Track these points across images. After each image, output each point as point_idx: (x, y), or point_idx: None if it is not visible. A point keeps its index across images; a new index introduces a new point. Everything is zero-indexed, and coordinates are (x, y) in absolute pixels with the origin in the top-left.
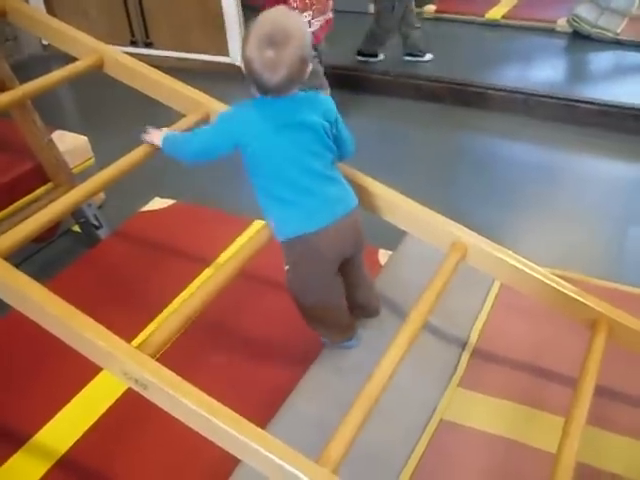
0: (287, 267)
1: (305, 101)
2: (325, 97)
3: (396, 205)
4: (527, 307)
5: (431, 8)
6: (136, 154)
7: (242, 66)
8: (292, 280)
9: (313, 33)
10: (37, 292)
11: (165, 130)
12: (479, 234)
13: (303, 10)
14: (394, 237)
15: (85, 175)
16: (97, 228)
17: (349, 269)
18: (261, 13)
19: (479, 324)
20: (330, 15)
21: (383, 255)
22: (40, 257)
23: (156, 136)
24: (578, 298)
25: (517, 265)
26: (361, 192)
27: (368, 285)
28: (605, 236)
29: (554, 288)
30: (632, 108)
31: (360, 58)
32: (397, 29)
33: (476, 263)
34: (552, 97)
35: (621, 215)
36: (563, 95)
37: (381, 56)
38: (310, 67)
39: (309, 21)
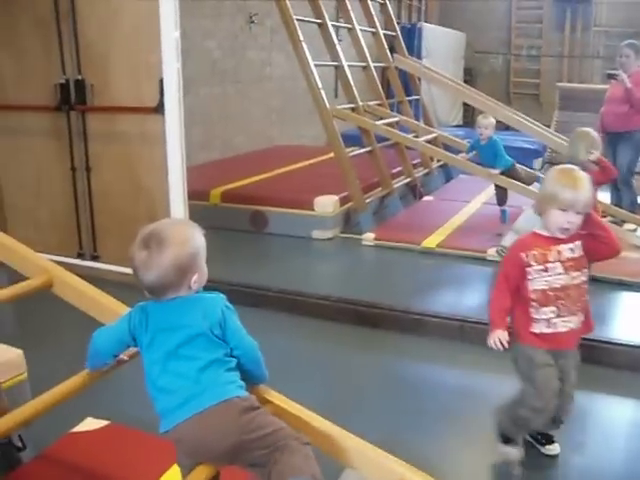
0: None
1: (187, 304)
2: (211, 298)
3: (337, 441)
4: None
5: (370, 236)
6: (74, 381)
7: None
8: None
9: (554, 335)
10: None
11: None
12: (418, 465)
13: (544, 305)
14: (335, 468)
15: (15, 390)
16: (20, 450)
17: None
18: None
19: None
20: (581, 317)
21: None
22: None
23: None
24: None
25: None
26: (300, 425)
27: None
28: (544, 464)
29: None
30: None
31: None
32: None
33: None
34: (486, 324)
35: (558, 443)
36: None
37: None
38: (196, 276)
39: (548, 319)
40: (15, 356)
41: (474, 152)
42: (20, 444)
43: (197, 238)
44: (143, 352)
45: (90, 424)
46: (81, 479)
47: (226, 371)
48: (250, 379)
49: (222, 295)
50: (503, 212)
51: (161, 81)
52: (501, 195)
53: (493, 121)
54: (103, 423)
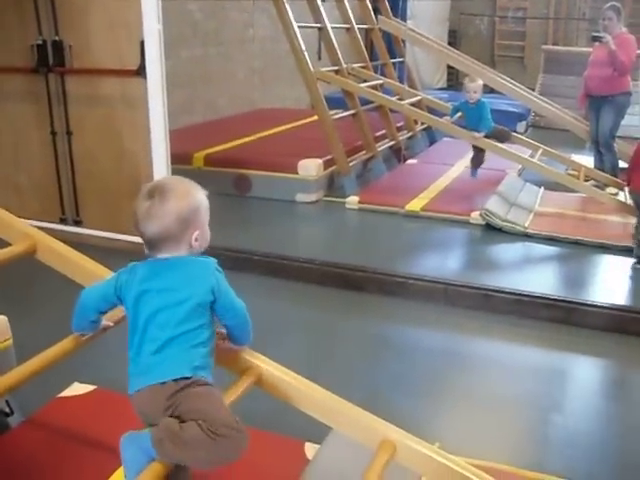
0: None
1: (176, 266)
2: (202, 262)
3: (322, 402)
4: None
5: (354, 199)
6: (61, 346)
7: None
8: None
9: None
10: None
11: None
12: (402, 426)
13: None
14: (321, 430)
15: (0, 357)
16: (7, 415)
17: None
18: None
19: None
20: None
21: (310, 448)
22: None
23: None
24: None
25: (447, 463)
26: (286, 388)
27: None
28: (525, 424)
29: None
30: (544, 297)
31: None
32: None
33: (405, 461)
34: (470, 287)
35: (539, 403)
36: (480, 285)
37: None
38: (197, 233)
39: None
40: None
41: (459, 114)
42: (8, 409)
43: (199, 195)
44: (127, 312)
45: (77, 389)
46: (69, 443)
47: (191, 347)
48: (235, 340)
49: (213, 259)
50: (474, 171)
51: (142, 43)
52: (478, 159)
53: (481, 83)
54: (90, 388)
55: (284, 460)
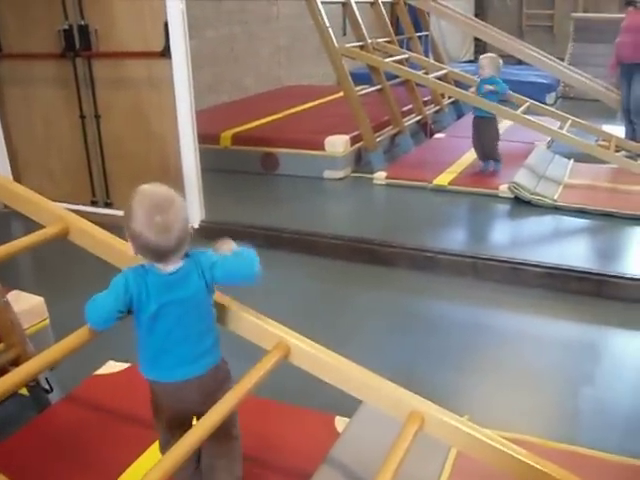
0: None
1: (186, 274)
2: (195, 260)
3: (351, 375)
4: (485, 473)
5: (382, 175)
6: None
7: (131, 243)
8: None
9: None
10: None
11: None
12: (432, 399)
13: None
14: (351, 403)
15: (38, 336)
16: (47, 392)
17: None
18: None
19: None
20: None
21: (340, 422)
22: None
23: None
24: (535, 465)
25: (474, 434)
26: (314, 362)
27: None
28: (556, 397)
29: (511, 456)
30: (575, 270)
31: None
32: None
33: (433, 432)
34: (499, 260)
35: (570, 376)
36: (509, 258)
37: None
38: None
39: None
40: (37, 303)
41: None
42: (47, 386)
43: None
44: (146, 320)
45: (112, 367)
46: (105, 419)
47: (213, 331)
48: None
49: (197, 251)
50: (487, 164)
51: (166, 24)
52: (480, 143)
53: (490, 58)
54: (124, 366)
55: (315, 434)
